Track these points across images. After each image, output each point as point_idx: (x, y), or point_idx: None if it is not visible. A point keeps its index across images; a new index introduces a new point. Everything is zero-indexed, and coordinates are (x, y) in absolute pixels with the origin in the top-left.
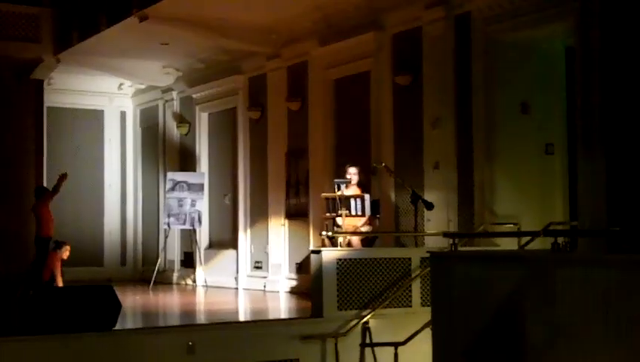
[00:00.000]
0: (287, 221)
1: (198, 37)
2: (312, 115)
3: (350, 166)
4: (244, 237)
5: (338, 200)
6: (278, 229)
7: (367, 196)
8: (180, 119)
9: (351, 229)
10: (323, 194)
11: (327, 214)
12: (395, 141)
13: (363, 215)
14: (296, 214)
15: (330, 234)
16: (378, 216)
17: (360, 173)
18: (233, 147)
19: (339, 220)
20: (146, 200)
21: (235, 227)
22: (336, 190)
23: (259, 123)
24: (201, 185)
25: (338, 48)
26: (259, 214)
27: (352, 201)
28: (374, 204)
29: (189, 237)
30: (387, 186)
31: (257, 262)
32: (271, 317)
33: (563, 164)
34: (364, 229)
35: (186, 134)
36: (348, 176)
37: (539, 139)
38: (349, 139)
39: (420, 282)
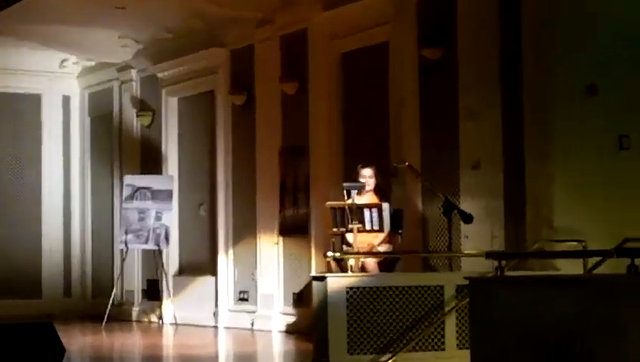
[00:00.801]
0: (281, 238)
1: None
2: (313, 100)
3: (363, 167)
4: (225, 260)
5: (348, 211)
6: (270, 249)
7: (385, 205)
8: (141, 106)
9: (365, 249)
10: (328, 203)
11: (334, 229)
12: (421, 134)
13: (381, 230)
14: (293, 229)
15: (337, 255)
16: (400, 231)
17: (376, 176)
18: (211, 142)
19: (349, 237)
20: (96, 212)
21: (213, 247)
22: (345, 198)
23: (245, 111)
24: (169, 193)
25: (346, 13)
26: (245, 230)
27: (367, 212)
28: (395, 216)
29: (154, 260)
30: (412, 193)
31: (243, 292)
32: None
33: None
34: (382, 249)
35: (149, 125)
36: (361, 180)
37: (611, 130)
38: (361, 131)
39: (456, 317)
